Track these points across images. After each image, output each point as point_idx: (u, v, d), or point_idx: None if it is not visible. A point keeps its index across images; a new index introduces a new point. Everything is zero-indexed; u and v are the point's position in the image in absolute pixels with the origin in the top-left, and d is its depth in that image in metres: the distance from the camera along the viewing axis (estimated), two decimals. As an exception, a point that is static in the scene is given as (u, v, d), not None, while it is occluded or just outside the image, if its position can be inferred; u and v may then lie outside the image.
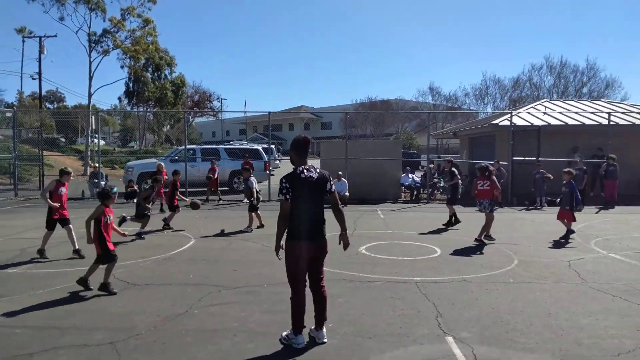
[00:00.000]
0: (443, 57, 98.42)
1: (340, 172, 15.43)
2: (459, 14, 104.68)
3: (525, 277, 6.60)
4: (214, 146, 19.85)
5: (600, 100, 23.17)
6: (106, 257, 5.76)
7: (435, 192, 17.23)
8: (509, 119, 16.60)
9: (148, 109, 41.05)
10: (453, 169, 11.97)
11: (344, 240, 4.41)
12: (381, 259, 7.61)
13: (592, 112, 18.61)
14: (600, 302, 5.50)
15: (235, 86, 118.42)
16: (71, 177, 8.19)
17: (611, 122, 17.03)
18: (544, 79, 39.40)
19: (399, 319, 4.87)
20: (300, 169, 4.18)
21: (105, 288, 5.70)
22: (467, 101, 43.79)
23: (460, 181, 12.22)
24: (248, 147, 22.01)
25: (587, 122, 17.54)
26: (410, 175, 17.06)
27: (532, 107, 21.05)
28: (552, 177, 14.90)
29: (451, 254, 8.03)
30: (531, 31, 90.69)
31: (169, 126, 58.43)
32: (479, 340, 4.36)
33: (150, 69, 39.21)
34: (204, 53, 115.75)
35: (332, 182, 4.32)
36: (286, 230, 4.16)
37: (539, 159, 16.15)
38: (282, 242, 4.21)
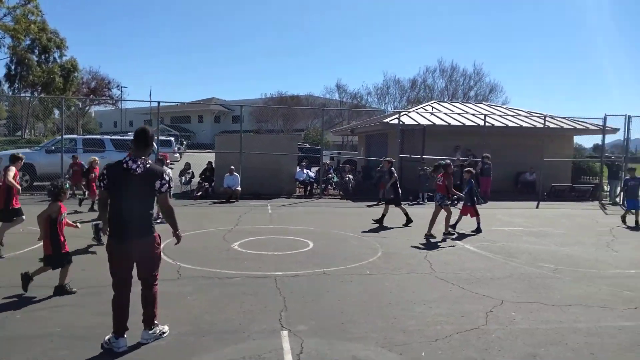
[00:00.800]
0: (348, 56, 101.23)
1: (232, 167, 15.16)
2: (363, 13, 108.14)
3: (382, 268, 6.92)
4: (97, 136, 18.51)
5: (482, 103, 25.21)
6: (57, 259, 5.27)
7: (329, 187, 17.59)
8: (398, 118, 17.41)
9: (33, 95, 37.28)
10: (392, 168, 12.03)
11: (176, 238, 4.25)
12: (250, 255, 7.55)
13: (473, 114, 20.18)
14: (440, 290, 5.91)
15: (139, 74, 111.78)
16: None
17: (487, 124, 18.62)
18: (437, 81, 42.46)
19: (241, 316, 4.83)
20: (127, 159, 3.97)
21: (62, 290, 5.28)
22: (370, 100, 45.51)
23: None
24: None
25: (468, 123, 18.97)
26: (305, 171, 17.25)
27: (421, 107, 22.35)
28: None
29: (322, 248, 8.20)
30: (427, 34, 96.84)
31: (57, 114, 53.70)
32: (313, 332, 4.45)
33: (36, 50, 35.71)
34: (106, 38, 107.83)
35: (164, 181, 4.02)
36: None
37: (424, 156, 17.16)
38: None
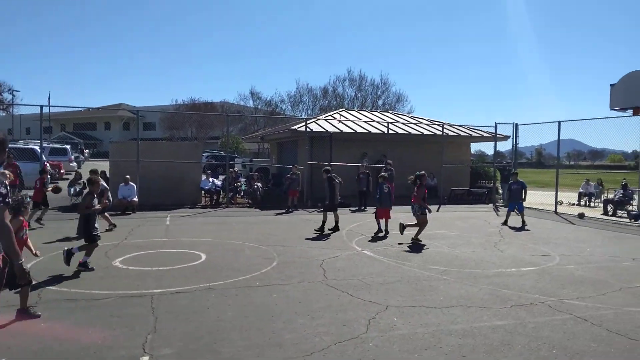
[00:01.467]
0: (261, 63, 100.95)
1: (127, 176, 14.12)
2: (278, 25, 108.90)
3: (274, 279, 6.64)
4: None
5: (388, 112, 26.16)
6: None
7: (236, 196, 17.07)
8: (305, 125, 17.38)
9: None
10: (330, 175, 11.55)
11: (15, 270, 3.66)
12: (131, 272, 6.91)
13: (378, 122, 20.77)
14: (327, 299, 5.75)
15: (36, 77, 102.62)
16: None
17: (390, 131, 19.26)
18: (347, 90, 43.71)
19: (100, 342, 4.28)
20: None
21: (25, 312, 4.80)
22: (283, 107, 45.55)
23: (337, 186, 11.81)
24: (20, 146, 18.84)
25: (373, 130, 19.47)
26: (211, 179, 16.58)
27: (330, 115, 22.61)
28: (341, 181, 16.02)
29: (215, 260, 7.75)
30: (336, 44, 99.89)
31: None
32: (177, 356, 4.03)
33: None
34: (3, 40, 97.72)
35: None
36: None
37: (331, 163, 17.24)
38: None
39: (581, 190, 20.70)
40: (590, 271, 7.52)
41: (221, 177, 17.79)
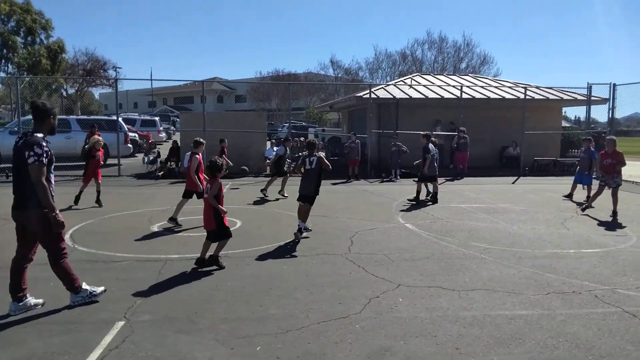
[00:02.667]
0: (338, 30, 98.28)
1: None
2: None
3: (296, 249, 6.41)
4: (63, 116, 18.00)
5: (468, 75, 24.22)
6: (219, 233, 5.53)
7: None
8: (370, 92, 16.66)
9: (20, 76, 36.98)
10: (429, 145, 11.12)
11: (50, 220, 3.96)
12: (163, 236, 7.10)
13: (454, 86, 19.28)
14: (338, 273, 5.39)
15: (139, 55, 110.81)
16: None
17: (467, 96, 17.80)
18: (426, 54, 41.08)
19: (91, 304, 4.36)
20: (23, 134, 4.07)
21: (216, 261, 5.51)
22: (361, 74, 44.31)
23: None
24: (106, 118, 20.36)
25: (447, 95, 18.12)
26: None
27: (401, 80, 21.47)
28: (407, 150, 15.25)
29: (247, 227, 7.72)
30: (414, 4, 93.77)
31: (46, 95, 53.56)
32: (154, 324, 3.98)
33: (21, 32, 35.21)
34: (105, 19, 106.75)
35: (32, 152, 3.86)
36: None
37: (397, 131, 16.44)
38: None
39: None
40: (672, 257, 6.29)
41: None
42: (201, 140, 8.26)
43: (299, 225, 7.08)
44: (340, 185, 13.79)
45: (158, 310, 4.25)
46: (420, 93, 18.43)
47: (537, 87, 19.91)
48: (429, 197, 10.96)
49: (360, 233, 7.45)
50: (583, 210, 9.84)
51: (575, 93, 18.93)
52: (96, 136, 10.70)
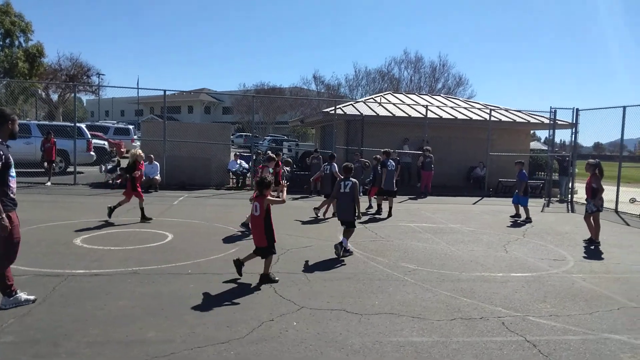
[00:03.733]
0: (323, 52, 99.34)
1: (151, 155, 14.35)
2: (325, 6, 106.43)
3: (214, 267, 6.14)
4: (23, 121, 17.56)
5: (440, 95, 24.35)
6: (269, 249, 5.60)
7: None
8: (334, 108, 16.57)
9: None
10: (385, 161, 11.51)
11: None
12: (81, 250, 6.77)
13: (424, 106, 19.30)
14: (243, 294, 5.13)
15: (128, 63, 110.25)
16: None
17: (434, 116, 17.83)
18: (403, 73, 41.67)
19: (-45, 322, 4.05)
20: None
21: (267, 278, 5.54)
22: (342, 91, 44.54)
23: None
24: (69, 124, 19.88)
25: (414, 114, 18.11)
26: (239, 161, 16.42)
27: (371, 98, 21.48)
28: (369, 165, 15.13)
29: (175, 242, 7.42)
30: (391, 24, 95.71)
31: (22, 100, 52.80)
32: (13, 345, 3.67)
33: None
34: (95, 27, 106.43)
35: None
36: None
37: (362, 148, 16.34)
38: None
39: (661, 187, 17.79)
40: (599, 283, 6.15)
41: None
42: (273, 155, 8.15)
43: (342, 241, 7.14)
44: (300, 201, 13.56)
45: (26, 332, 3.94)
46: (388, 111, 18.42)
47: (507, 110, 20.05)
48: (375, 214, 11.16)
49: (292, 251, 7.21)
50: None
51: (542, 117, 19.07)
52: (138, 150, 10.00)
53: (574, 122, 15.83)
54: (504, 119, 18.69)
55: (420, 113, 18.17)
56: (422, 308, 4.90)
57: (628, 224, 11.67)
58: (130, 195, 9.24)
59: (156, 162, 14.44)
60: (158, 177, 14.30)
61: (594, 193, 8.76)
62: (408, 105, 19.27)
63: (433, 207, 13.14)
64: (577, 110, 15.79)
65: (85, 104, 78.74)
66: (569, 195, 16.04)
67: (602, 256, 7.82)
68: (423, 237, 8.79)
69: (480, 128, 18.15)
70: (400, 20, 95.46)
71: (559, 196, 17.03)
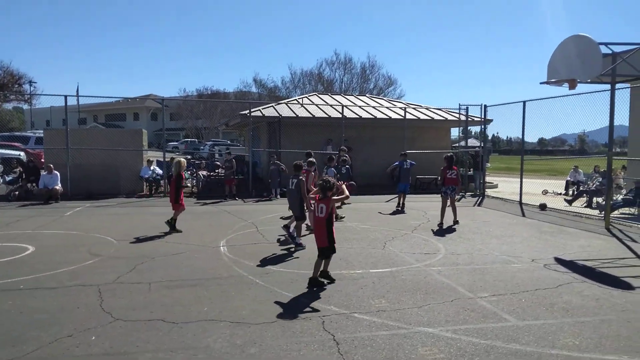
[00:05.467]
0: (261, 55, 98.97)
1: (50, 165, 13.63)
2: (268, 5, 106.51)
3: (56, 280, 5.76)
4: None
5: (365, 95, 24.65)
6: (330, 250, 5.71)
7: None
8: (249, 111, 16.35)
9: None
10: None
11: None
12: None
13: (346, 106, 19.43)
14: (70, 307, 4.81)
15: (66, 71, 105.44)
16: None
17: (354, 115, 17.97)
18: (334, 73, 42.40)
19: None
20: None
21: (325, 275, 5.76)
22: (283, 93, 44.53)
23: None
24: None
25: (334, 114, 18.17)
26: (152, 168, 15.89)
27: (294, 100, 21.44)
28: (285, 169, 14.98)
29: (33, 255, 6.96)
30: (326, 25, 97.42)
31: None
32: None
33: None
34: (27, 34, 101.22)
35: None
36: None
37: (279, 150, 16.21)
38: None
39: (569, 179, 18.71)
40: (452, 275, 6.23)
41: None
42: (300, 163, 8.23)
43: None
44: (209, 206, 13.23)
45: None
46: (309, 112, 18.38)
47: (427, 108, 20.49)
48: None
49: (158, 259, 6.92)
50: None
51: (461, 114, 19.59)
52: (181, 159, 9.58)
53: (482, 117, 16.34)
54: (422, 117, 19.09)
55: (341, 114, 18.24)
56: (250, 312, 4.76)
57: (524, 215, 12.09)
58: (175, 206, 9.13)
59: (56, 172, 13.71)
60: (59, 187, 13.57)
61: (453, 181, 10.43)
62: (331, 105, 19.31)
63: (344, 207, 13.14)
64: (485, 106, 16.31)
65: (24, 114, 74.61)
66: (482, 190, 16.51)
67: (477, 247, 7.99)
68: (310, 237, 8.70)
69: (401, 127, 18.44)
70: (330, 22, 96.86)
71: (474, 191, 17.52)
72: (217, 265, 6.62)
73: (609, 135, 9.93)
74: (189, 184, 16.61)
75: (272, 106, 18.88)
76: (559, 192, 18.29)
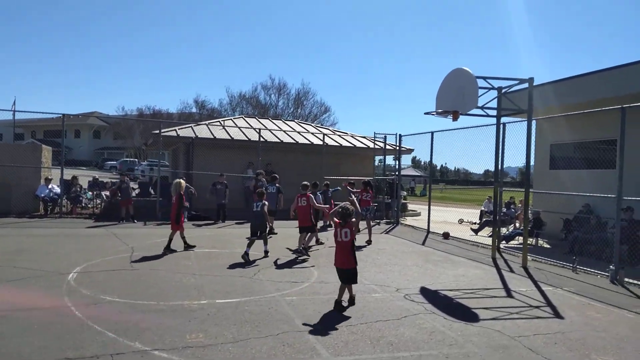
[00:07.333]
0: (205, 75, 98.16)
1: None
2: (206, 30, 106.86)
3: None
4: None
5: (292, 121, 24.68)
6: (355, 274, 6.02)
7: (78, 205, 15.25)
8: (159, 131, 15.77)
9: None
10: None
11: None
12: None
13: (271, 130, 19.25)
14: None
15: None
16: None
17: (274, 140, 17.78)
18: (268, 97, 42.98)
19: None
20: None
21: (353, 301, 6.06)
22: (223, 114, 44.26)
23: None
24: None
25: (254, 138, 17.89)
26: (51, 186, 14.86)
27: (217, 121, 21.10)
28: (194, 192, 14.40)
29: None
30: (259, 50, 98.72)
31: None
32: None
33: None
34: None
35: None
36: None
37: (189, 171, 15.68)
38: None
39: (483, 209, 19.19)
40: (303, 305, 5.94)
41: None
42: (307, 183, 10.04)
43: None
44: (100, 229, 12.39)
45: None
46: (228, 134, 18.02)
47: (352, 136, 20.65)
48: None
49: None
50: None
51: (385, 143, 19.86)
52: (181, 181, 9.76)
53: (397, 146, 16.55)
54: (345, 143, 19.17)
55: (263, 138, 18.00)
56: (39, 348, 4.20)
57: (423, 244, 12.09)
58: (180, 227, 9.37)
59: None
60: None
61: (367, 202, 11.83)
62: (254, 128, 19.04)
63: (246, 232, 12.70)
64: (400, 135, 16.57)
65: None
66: (397, 217, 16.58)
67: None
68: (185, 263, 8.21)
69: (331, 153, 18.42)
70: (266, 48, 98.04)
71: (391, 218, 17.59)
72: (48, 294, 5.99)
73: (495, 167, 10.16)
74: (89, 205, 15.68)
75: (191, 127, 18.39)
76: (474, 222, 18.71)
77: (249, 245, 8.79)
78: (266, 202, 9.18)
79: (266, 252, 9.18)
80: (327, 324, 5.25)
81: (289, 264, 8.62)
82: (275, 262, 8.71)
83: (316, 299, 6.31)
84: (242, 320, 5.28)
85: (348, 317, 5.53)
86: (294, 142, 18.49)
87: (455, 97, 9.17)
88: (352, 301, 6.05)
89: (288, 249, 9.94)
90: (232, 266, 8.18)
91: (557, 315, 6.01)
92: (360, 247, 10.36)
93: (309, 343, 4.66)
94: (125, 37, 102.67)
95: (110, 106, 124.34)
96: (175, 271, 7.59)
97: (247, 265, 8.32)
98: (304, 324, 5.22)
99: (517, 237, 12.75)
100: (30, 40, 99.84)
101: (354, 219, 6.11)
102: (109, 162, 52.31)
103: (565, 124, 12.85)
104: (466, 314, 5.93)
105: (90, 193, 15.95)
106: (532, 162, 15.81)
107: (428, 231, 14.34)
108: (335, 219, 6.11)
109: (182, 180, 9.81)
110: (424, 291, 7.02)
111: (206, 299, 6.08)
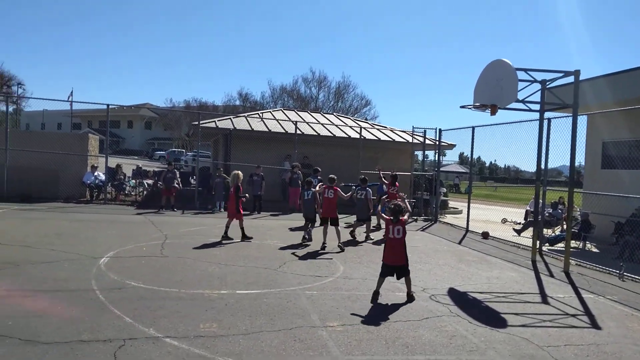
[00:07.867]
0: (249, 62, 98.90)
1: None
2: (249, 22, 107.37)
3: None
4: None
5: (333, 114, 24.46)
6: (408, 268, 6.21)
7: (121, 192, 15.81)
8: (198, 122, 16.04)
9: None
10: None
11: None
12: None
13: (309, 123, 19.19)
14: None
15: (59, 73, 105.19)
16: None
17: (312, 133, 17.71)
18: (309, 90, 42.86)
19: None
20: None
21: (412, 297, 6.12)
22: (265, 107, 44.68)
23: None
24: None
25: (291, 130, 17.87)
26: (96, 173, 15.49)
27: (255, 113, 21.22)
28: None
29: None
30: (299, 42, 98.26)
31: None
32: None
33: None
34: (26, 37, 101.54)
35: None
36: None
37: (228, 162, 15.88)
38: None
39: (528, 208, 18.29)
40: (322, 300, 5.82)
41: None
42: (334, 177, 9.90)
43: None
44: (140, 216, 12.78)
45: None
46: (266, 127, 18.11)
47: (392, 130, 20.25)
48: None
49: (23, 266, 6.49)
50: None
51: (424, 137, 19.33)
52: (239, 172, 10.24)
53: (437, 141, 16.07)
54: (383, 137, 18.83)
55: (300, 130, 17.96)
56: (55, 329, 4.33)
57: (460, 243, 11.65)
58: (234, 216, 9.77)
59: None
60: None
61: (393, 196, 11.12)
62: (292, 121, 19.04)
63: (273, 224, 12.76)
64: (440, 130, 16.06)
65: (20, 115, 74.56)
66: (435, 214, 16.12)
67: (377, 273, 7.56)
68: (213, 252, 8.31)
69: (364, 146, 18.13)
70: (306, 40, 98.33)
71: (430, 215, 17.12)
72: (76, 277, 6.19)
73: (537, 164, 9.61)
74: (132, 193, 16.23)
75: (230, 118, 18.62)
76: (518, 222, 17.90)
77: (307, 231, 9.90)
78: (314, 189, 9.97)
79: (305, 238, 9.86)
80: (343, 321, 5.12)
81: (313, 256, 8.54)
82: (306, 254, 8.67)
83: (337, 294, 6.17)
84: (259, 312, 5.23)
85: (366, 315, 5.37)
86: (331, 135, 18.35)
87: (494, 90, 8.71)
88: (410, 298, 6.08)
89: (339, 246, 9.59)
90: (259, 258, 8.17)
91: (594, 325, 5.59)
92: (359, 242, 10.58)
93: (322, 339, 4.54)
94: (178, 30, 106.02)
95: (159, 98, 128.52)
96: (202, 260, 7.68)
97: (301, 246, 9.42)
98: (320, 319, 5.11)
99: (563, 241, 12.04)
100: (90, 40, 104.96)
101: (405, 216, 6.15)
102: (158, 152, 54.27)
103: (621, 120, 12.00)
104: (493, 319, 5.61)
105: (133, 181, 16.49)
106: (581, 161, 15.15)
107: (467, 230, 13.84)
108: (385, 216, 6.15)
109: (239, 172, 10.17)
110: (452, 292, 6.73)
111: (227, 289, 6.08)
